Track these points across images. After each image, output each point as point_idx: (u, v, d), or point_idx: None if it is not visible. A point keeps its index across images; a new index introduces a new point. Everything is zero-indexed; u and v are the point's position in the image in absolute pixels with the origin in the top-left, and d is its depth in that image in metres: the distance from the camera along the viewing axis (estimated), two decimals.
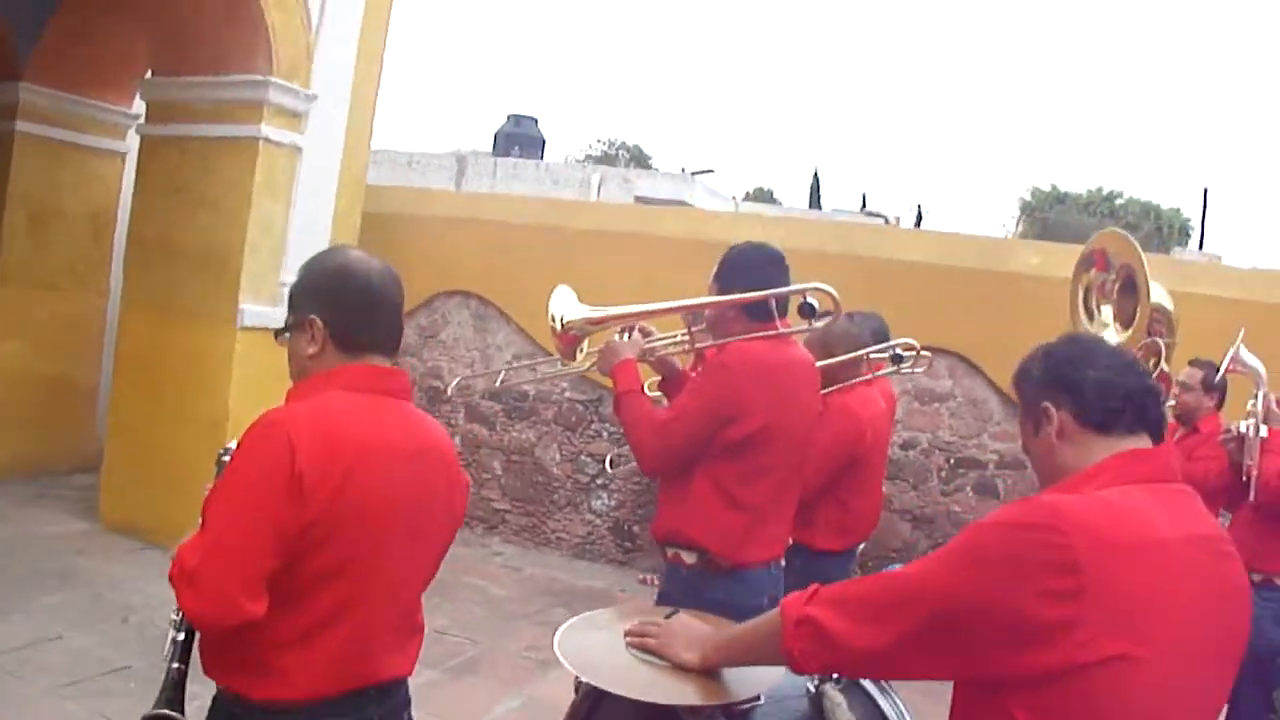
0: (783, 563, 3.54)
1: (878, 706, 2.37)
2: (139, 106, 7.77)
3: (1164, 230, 38.65)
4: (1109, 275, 4.69)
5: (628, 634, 2.24)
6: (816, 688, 2.29)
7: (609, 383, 3.54)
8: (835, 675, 2.26)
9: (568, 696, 2.48)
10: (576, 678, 2.28)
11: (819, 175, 49.61)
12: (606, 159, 44.20)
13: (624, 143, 49.02)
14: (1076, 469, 1.81)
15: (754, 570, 3.35)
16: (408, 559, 2.13)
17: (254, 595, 1.89)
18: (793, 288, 3.36)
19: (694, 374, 3.72)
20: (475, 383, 8.59)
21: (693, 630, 2.22)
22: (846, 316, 4.06)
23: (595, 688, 2.22)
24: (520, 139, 24.83)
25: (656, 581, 7.26)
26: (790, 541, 3.66)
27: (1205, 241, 32.85)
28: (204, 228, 6.82)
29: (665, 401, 3.78)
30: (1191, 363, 5.10)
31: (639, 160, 45.30)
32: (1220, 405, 5.07)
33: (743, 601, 3.25)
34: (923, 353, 4.75)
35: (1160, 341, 4.65)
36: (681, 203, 17.11)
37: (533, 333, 8.14)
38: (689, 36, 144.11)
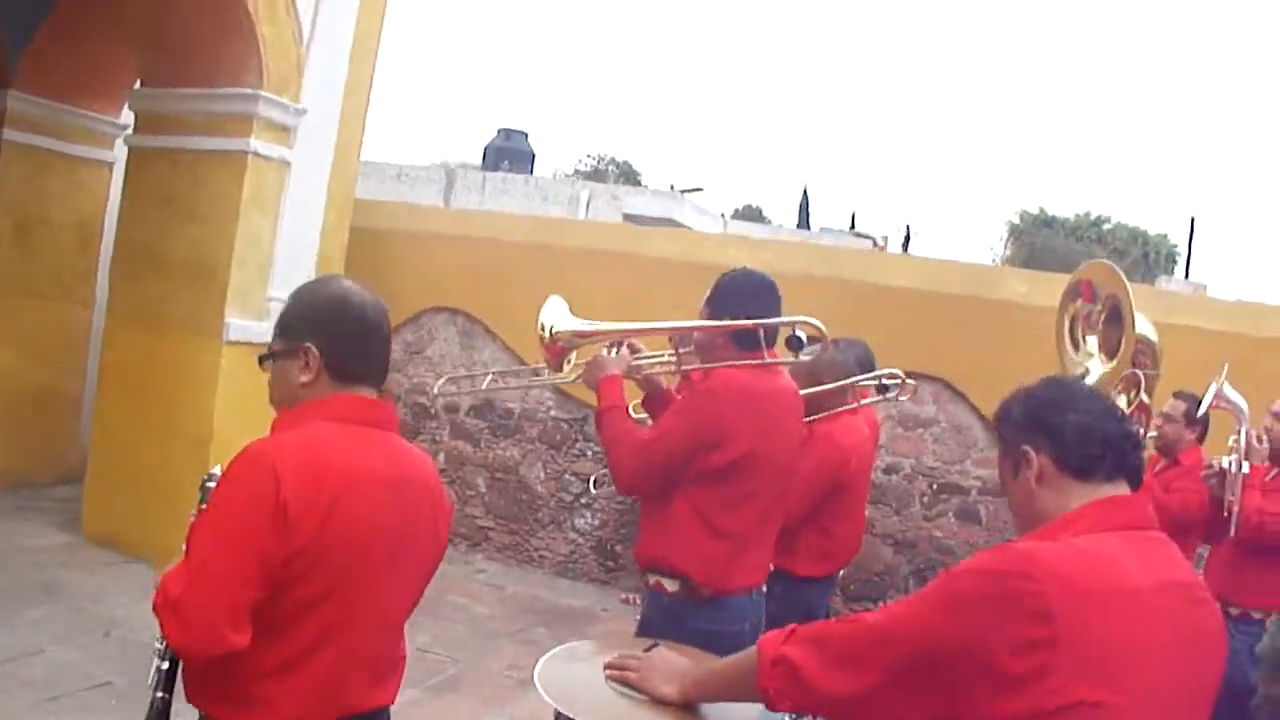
0: (764, 589, 3.55)
1: None
2: (127, 116, 7.76)
3: (1150, 257, 38.79)
4: (1095, 306, 4.71)
5: (607, 667, 2.25)
6: None
7: (594, 401, 3.55)
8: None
9: (548, 717, 2.48)
10: (556, 710, 2.28)
11: (808, 194, 49.48)
12: (596, 174, 44.17)
13: (613, 158, 49.01)
14: (1054, 514, 1.82)
15: (736, 598, 3.36)
16: (391, 589, 2.14)
17: (238, 626, 1.89)
18: (782, 319, 3.37)
19: (679, 395, 3.72)
20: (461, 400, 8.59)
21: (672, 664, 2.22)
22: (832, 343, 4.07)
23: None
24: (510, 153, 24.83)
25: (638, 601, 7.27)
26: (771, 568, 3.67)
27: (1191, 270, 33.00)
28: (191, 240, 6.80)
29: (649, 420, 3.79)
30: (1175, 395, 5.13)
31: (628, 176, 45.29)
32: (1202, 439, 5.11)
33: (724, 629, 3.26)
34: (908, 381, 4.76)
35: (1140, 373, 4.68)
36: (670, 220, 17.10)
37: (519, 350, 8.13)
38: (679, 53, 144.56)
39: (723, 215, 25.36)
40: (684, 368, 3.65)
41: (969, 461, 7.07)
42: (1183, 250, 36.89)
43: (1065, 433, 1.84)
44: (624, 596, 7.68)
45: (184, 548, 2.02)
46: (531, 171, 24.73)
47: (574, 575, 8.12)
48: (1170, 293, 12.63)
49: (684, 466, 3.27)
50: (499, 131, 26.05)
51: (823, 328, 3.40)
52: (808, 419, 4.05)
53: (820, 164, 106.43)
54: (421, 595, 2.28)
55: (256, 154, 6.70)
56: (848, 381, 4.44)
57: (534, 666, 2.28)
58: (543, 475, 8.31)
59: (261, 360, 2.21)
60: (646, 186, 32.59)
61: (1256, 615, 4.61)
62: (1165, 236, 40.69)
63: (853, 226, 41.82)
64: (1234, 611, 4.62)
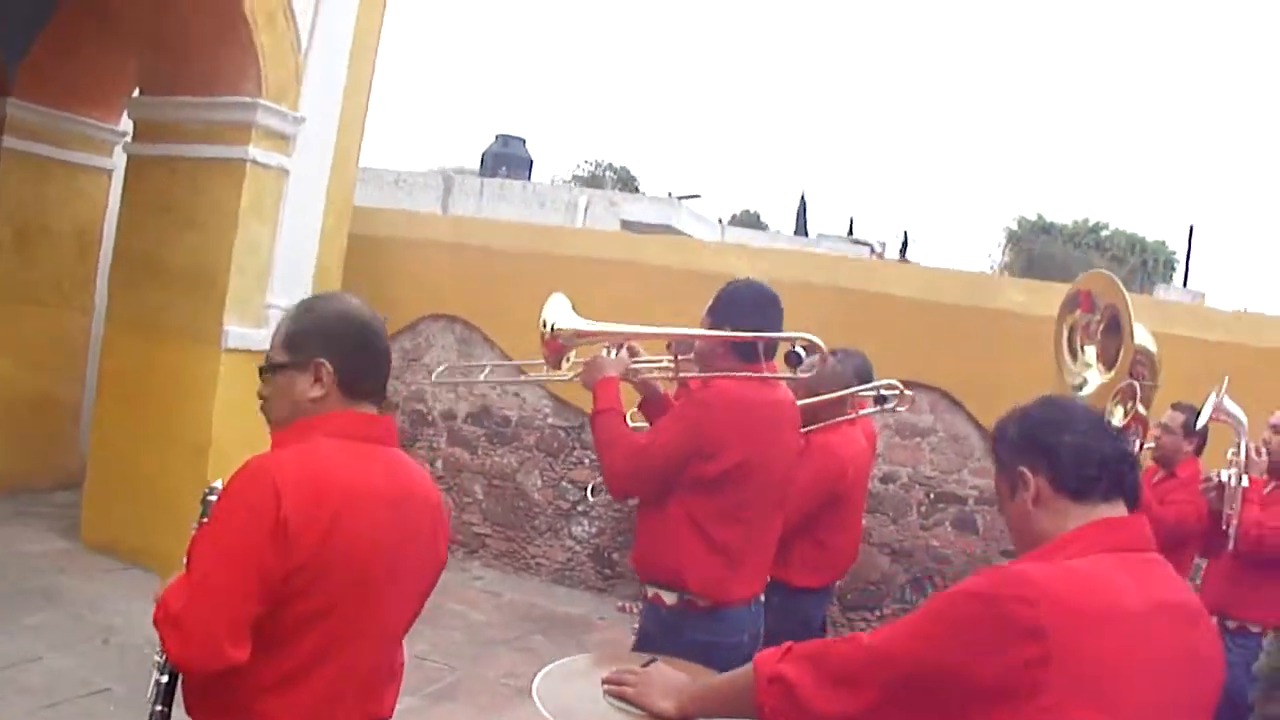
0: (762, 599, 3.56)
1: None
2: (126, 123, 7.76)
3: (1148, 264, 38.82)
4: (1094, 316, 4.72)
5: (605, 682, 2.25)
6: None
7: (591, 407, 3.55)
8: None
9: None
10: None
11: (806, 199, 49.44)
12: (593, 180, 44.21)
13: (610, 164, 49.08)
14: (1051, 535, 1.83)
15: (734, 609, 3.37)
16: (391, 604, 2.15)
17: (238, 641, 1.90)
18: (782, 334, 3.38)
19: (676, 399, 3.74)
20: (458, 407, 8.60)
21: (669, 680, 2.23)
22: (830, 354, 4.08)
23: None
24: (508, 159, 24.82)
25: (635, 610, 7.28)
26: (768, 578, 3.68)
27: (1190, 278, 33.02)
28: (190, 248, 6.80)
29: (647, 425, 3.80)
30: (1174, 406, 5.11)
31: (625, 182, 45.34)
32: (1200, 451, 5.08)
33: (723, 640, 3.27)
34: (906, 392, 4.78)
35: (1136, 384, 4.68)
36: (668, 227, 17.11)
37: (516, 358, 8.12)
38: (677, 59, 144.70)
39: (720, 221, 25.37)
40: (681, 375, 3.66)
41: (966, 471, 7.07)
42: (1181, 257, 36.95)
43: (1061, 454, 1.85)
44: (621, 604, 7.69)
45: (184, 561, 2.02)
46: (529, 177, 24.73)
47: (571, 583, 8.12)
48: (1169, 303, 12.65)
49: (678, 473, 3.28)
50: (497, 137, 26.05)
51: (822, 345, 3.41)
52: (805, 429, 4.07)
53: (818, 170, 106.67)
54: (421, 609, 2.29)
55: (255, 162, 6.70)
56: (846, 393, 4.45)
57: (530, 676, 2.29)
58: (540, 483, 8.32)
59: (264, 371, 2.21)
60: (644, 193, 32.60)
61: (1254, 629, 4.62)
62: (1164, 243, 40.78)
63: (850, 232, 41.82)
64: (1231, 624, 4.64)
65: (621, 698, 2.20)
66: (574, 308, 3.66)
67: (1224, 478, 4.74)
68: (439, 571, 2.30)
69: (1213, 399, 4.89)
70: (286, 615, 1.95)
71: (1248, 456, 4.77)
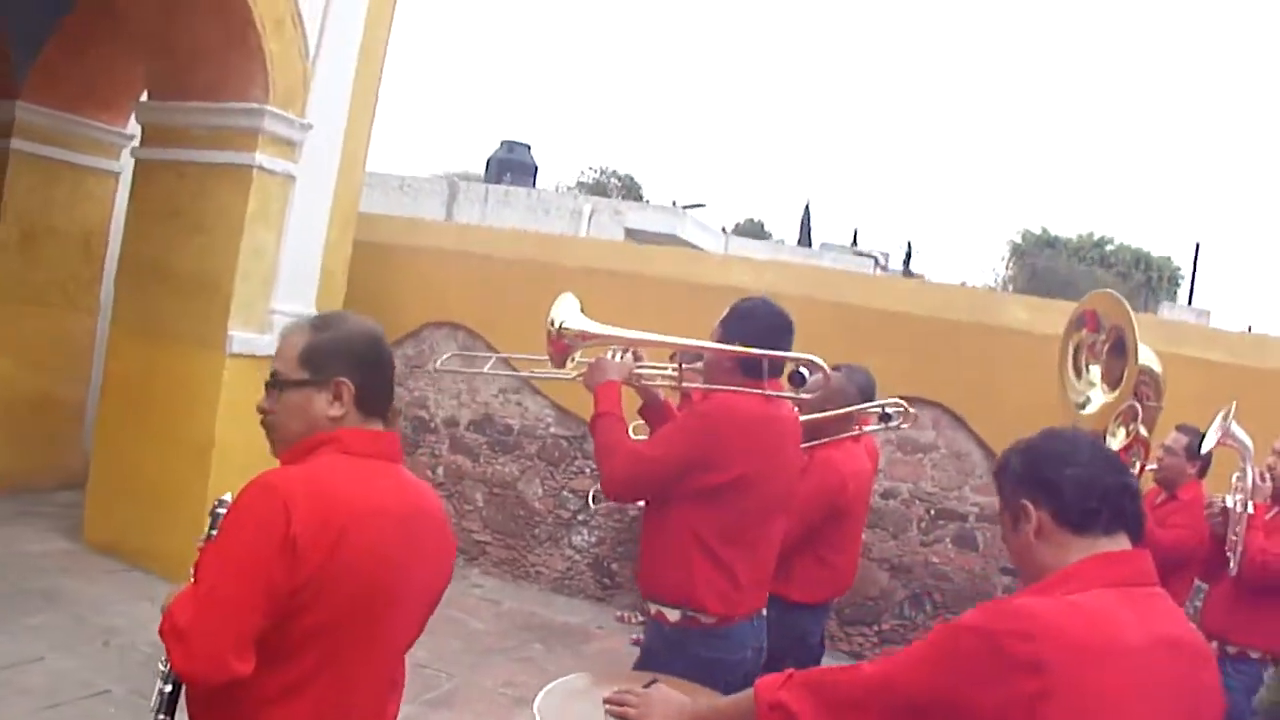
0: (764, 614, 3.57)
1: None
2: (133, 127, 7.80)
3: (1153, 280, 38.75)
4: (1099, 335, 4.75)
5: (607, 702, 2.26)
6: None
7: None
8: None
9: None
10: None
11: (810, 210, 49.44)
12: (598, 187, 44.18)
13: (615, 171, 49.02)
14: (1053, 568, 1.84)
15: (737, 625, 3.38)
16: (395, 620, 2.16)
17: (243, 655, 1.91)
18: (787, 354, 3.40)
19: (679, 408, 3.75)
20: (461, 414, 8.62)
21: (671, 701, 2.24)
22: (833, 369, 4.09)
23: None
24: (513, 165, 24.76)
25: (633, 619, 7.29)
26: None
27: (1195, 296, 32.94)
28: (196, 253, 6.82)
29: (647, 429, 3.82)
30: (1178, 428, 5.09)
31: (630, 189, 45.29)
32: (1203, 474, 5.06)
33: (727, 656, 3.29)
34: (909, 410, 4.79)
35: (1138, 405, 4.69)
36: (673, 236, 17.12)
37: (519, 366, 8.14)
38: (683, 66, 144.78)
39: (724, 230, 25.35)
40: (684, 385, 3.67)
41: (967, 488, 7.08)
42: (1186, 272, 36.87)
43: (1063, 487, 1.86)
44: (619, 614, 7.69)
45: (191, 573, 2.03)
46: (534, 184, 24.72)
47: (570, 592, 8.12)
48: (1174, 322, 12.66)
49: (676, 482, 3.29)
50: (502, 144, 25.98)
51: (824, 365, 3.43)
52: (809, 444, 4.08)
53: (823, 180, 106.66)
54: (423, 628, 2.30)
55: (261, 168, 6.72)
56: (852, 409, 4.46)
57: (528, 685, 2.33)
58: (541, 491, 8.33)
59: (273, 387, 2.20)
60: (649, 201, 32.58)
61: (1254, 655, 4.62)
62: (1169, 259, 40.66)
63: (855, 243, 41.84)
64: (1231, 650, 4.63)
65: (623, 718, 2.21)
66: (583, 309, 3.68)
67: (1229, 503, 4.72)
68: (444, 588, 2.31)
69: (1219, 422, 4.87)
70: (292, 629, 1.96)
71: (1253, 482, 4.76)
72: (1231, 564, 4.64)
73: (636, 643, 5.93)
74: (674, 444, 3.33)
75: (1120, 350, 4.51)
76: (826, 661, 4.72)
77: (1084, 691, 1.59)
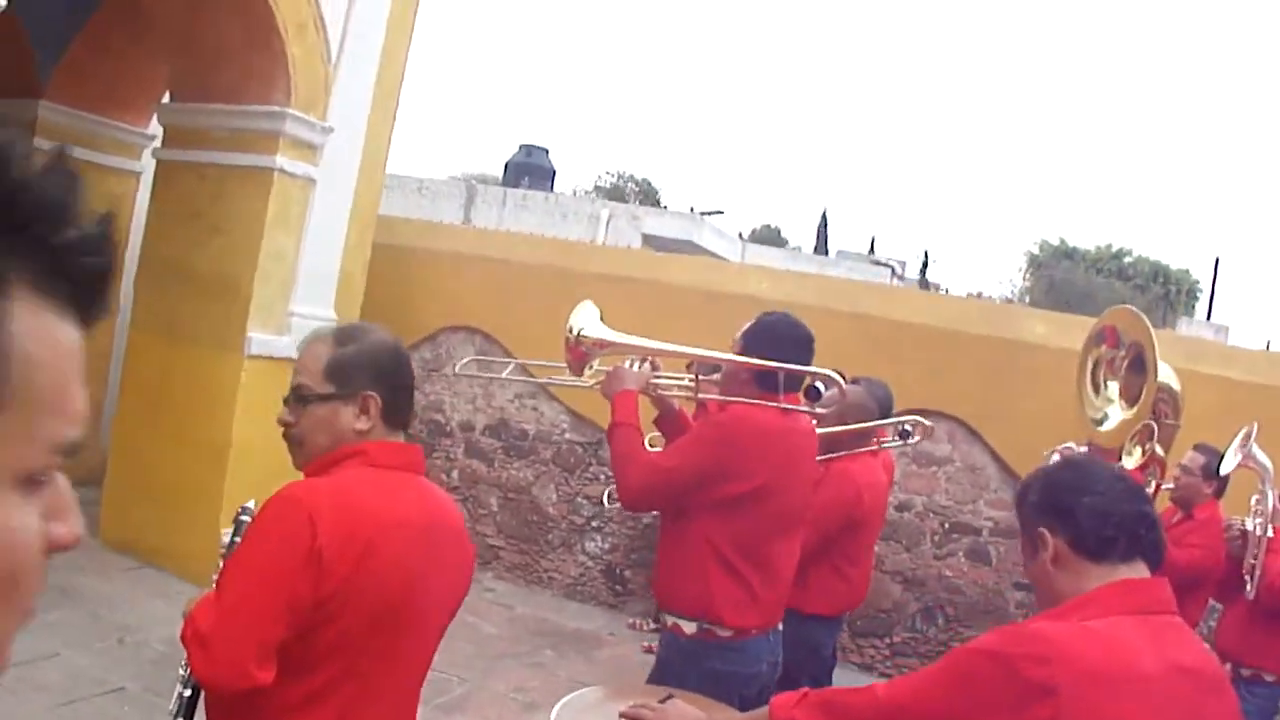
0: (780, 628, 3.57)
1: None
2: (154, 127, 7.83)
3: (1171, 294, 38.51)
4: (1119, 351, 4.73)
5: (623, 716, 2.27)
6: None
7: (608, 425, 3.57)
8: None
9: None
10: None
11: (827, 217, 49.38)
12: (615, 191, 44.21)
13: (633, 176, 49.03)
14: (1070, 595, 1.85)
15: (753, 638, 3.38)
16: (416, 631, 2.17)
17: (264, 664, 1.91)
18: (804, 368, 3.40)
19: (695, 419, 3.76)
20: (476, 419, 8.64)
21: (687, 716, 2.24)
22: (852, 382, 4.09)
23: None
24: (531, 169, 24.84)
25: (646, 627, 7.29)
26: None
27: (1214, 311, 32.73)
28: (216, 254, 6.85)
29: (663, 439, 3.83)
30: (1195, 447, 5.04)
31: (647, 194, 45.31)
32: (1220, 494, 4.99)
33: (742, 670, 3.30)
34: (925, 423, 4.79)
35: (1154, 424, 4.67)
36: (690, 243, 17.14)
37: (536, 371, 8.16)
38: (701, 72, 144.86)
39: (740, 235, 25.38)
40: (701, 396, 3.68)
41: (981, 502, 7.06)
42: (1204, 286, 36.65)
43: (1079, 515, 1.87)
44: (631, 621, 7.69)
45: (214, 580, 2.05)
46: (551, 188, 24.78)
47: (582, 598, 8.13)
48: (1193, 339, 12.61)
49: (693, 493, 3.30)
50: (520, 147, 26.08)
51: (840, 380, 3.43)
52: (825, 456, 4.08)
53: (841, 187, 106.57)
54: (442, 637, 2.31)
55: (282, 171, 6.75)
56: (872, 424, 4.46)
57: (540, 690, 2.35)
58: (555, 497, 8.34)
59: (304, 400, 2.17)
60: (666, 207, 32.61)
61: (1269, 678, 4.60)
62: (1188, 272, 40.39)
63: (871, 251, 41.76)
64: (1246, 672, 4.61)
65: None
66: (602, 318, 3.69)
67: (1249, 526, 4.69)
68: (462, 599, 2.33)
69: (1239, 444, 4.83)
70: (316, 640, 1.97)
71: (1274, 505, 4.71)
72: (1249, 587, 4.61)
73: (648, 650, 5.94)
74: (690, 455, 3.34)
75: (1140, 367, 4.49)
76: (837, 674, 4.72)
77: (1098, 717, 1.59)
